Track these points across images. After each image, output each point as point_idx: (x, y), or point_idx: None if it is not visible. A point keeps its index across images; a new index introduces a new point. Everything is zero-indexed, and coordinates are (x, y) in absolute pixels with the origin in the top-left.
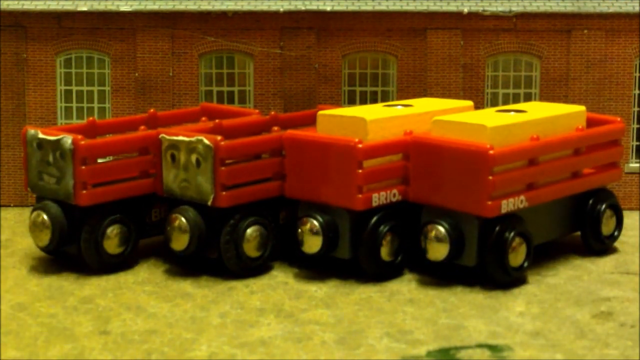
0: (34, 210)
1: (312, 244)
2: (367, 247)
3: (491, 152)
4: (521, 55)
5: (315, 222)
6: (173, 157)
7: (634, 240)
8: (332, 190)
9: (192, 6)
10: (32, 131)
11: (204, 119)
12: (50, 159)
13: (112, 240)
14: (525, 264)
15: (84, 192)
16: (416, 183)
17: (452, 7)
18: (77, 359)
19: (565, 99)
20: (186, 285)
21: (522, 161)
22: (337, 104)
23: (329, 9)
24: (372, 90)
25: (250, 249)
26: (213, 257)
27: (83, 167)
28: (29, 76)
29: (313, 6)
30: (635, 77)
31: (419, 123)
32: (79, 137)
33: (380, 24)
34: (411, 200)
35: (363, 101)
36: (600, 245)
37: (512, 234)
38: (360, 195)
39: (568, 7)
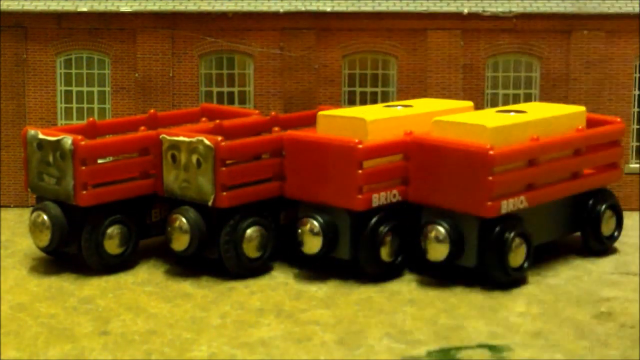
0: (34, 210)
1: (312, 245)
2: (367, 247)
3: (491, 152)
4: (521, 56)
5: (315, 223)
6: (174, 157)
7: (634, 240)
8: (332, 190)
9: (192, 7)
10: (32, 132)
11: (204, 119)
12: (51, 159)
13: (112, 241)
14: (525, 265)
15: (84, 192)
16: (416, 183)
17: (452, 8)
18: (77, 359)
19: (565, 100)
20: (186, 286)
21: (522, 161)
22: (337, 104)
23: (329, 9)
24: (372, 91)
25: (250, 250)
26: (213, 258)
27: (83, 168)
28: (29, 77)
29: (313, 7)
30: (635, 77)
31: (419, 123)
32: (79, 137)
33: (380, 24)
34: (411, 200)
35: (363, 102)
36: (600, 245)
37: (512, 234)
38: (360, 196)
39: (568, 8)
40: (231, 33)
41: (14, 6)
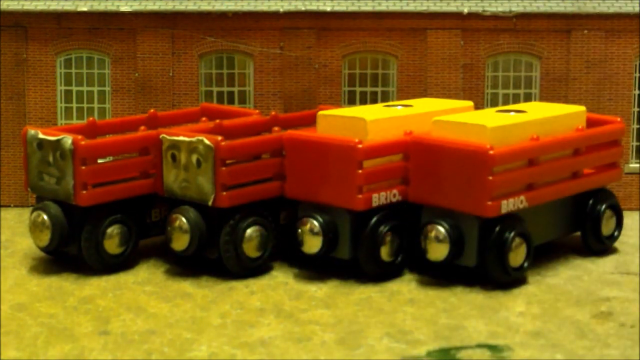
0: (34, 210)
1: (312, 244)
2: (367, 247)
3: (491, 152)
4: (521, 56)
5: (315, 223)
6: (174, 157)
7: (634, 240)
8: (332, 190)
9: (192, 6)
10: (32, 131)
11: (204, 119)
12: (51, 159)
13: (112, 241)
14: (525, 264)
15: (84, 192)
16: (416, 183)
17: (452, 7)
18: (77, 359)
19: (565, 99)
20: (186, 285)
21: (522, 161)
22: (337, 104)
23: (329, 9)
24: (372, 91)
25: (250, 249)
26: (213, 257)
27: (83, 168)
28: (29, 76)
29: (313, 6)
30: (635, 77)
31: (419, 123)
32: (79, 137)
33: (380, 24)
34: (411, 200)
35: (363, 101)
36: (600, 245)
37: (512, 234)
38: (360, 196)
39: (568, 7)
40: (231, 33)
41: (14, 6)
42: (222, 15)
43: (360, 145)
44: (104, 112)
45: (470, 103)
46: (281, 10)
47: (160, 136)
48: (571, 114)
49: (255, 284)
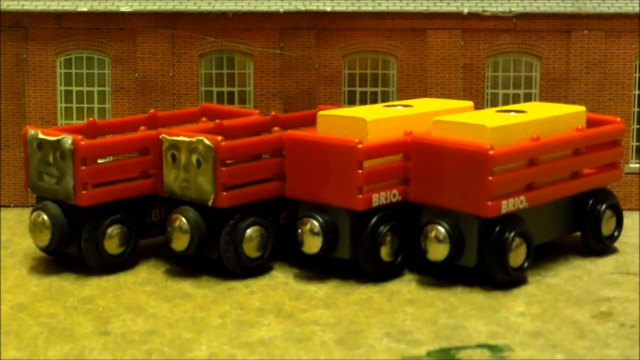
0: (34, 210)
1: (312, 245)
2: (367, 247)
3: (491, 152)
4: (521, 56)
5: (315, 223)
6: (174, 157)
7: (634, 240)
8: (332, 190)
9: (192, 6)
10: (32, 131)
11: (204, 119)
12: (51, 159)
13: (112, 241)
14: (525, 264)
15: (84, 192)
16: (416, 183)
17: (452, 8)
18: (77, 359)
19: (565, 99)
20: (186, 286)
21: (522, 161)
22: (337, 104)
23: (329, 9)
24: (372, 91)
25: (250, 249)
26: (213, 257)
27: (83, 168)
28: (29, 76)
29: (313, 6)
30: (635, 77)
31: (419, 123)
32: (79, 137)
33: (380, 24)
34: (411, 200)
35: (363, 101)
36: (600, 245)
37: (512, 234)
38: (360, 196)
39: (568, 8)
40: (231, 33)
41: (14, 6)
42: (222, 15)
43: (360, 145)
44: (104, 112)
45: (470, 103)
46: (281, 10)
47: (160, 136)
48: (571, 114)
49: (255, 284)
